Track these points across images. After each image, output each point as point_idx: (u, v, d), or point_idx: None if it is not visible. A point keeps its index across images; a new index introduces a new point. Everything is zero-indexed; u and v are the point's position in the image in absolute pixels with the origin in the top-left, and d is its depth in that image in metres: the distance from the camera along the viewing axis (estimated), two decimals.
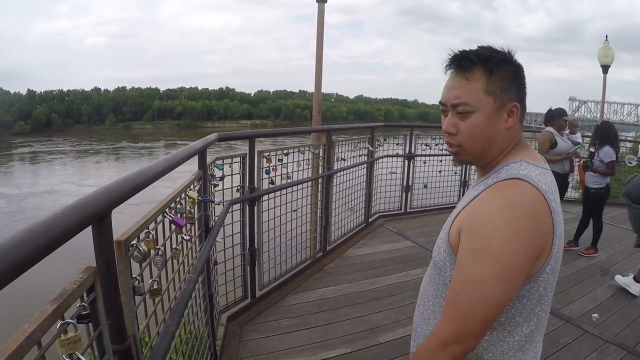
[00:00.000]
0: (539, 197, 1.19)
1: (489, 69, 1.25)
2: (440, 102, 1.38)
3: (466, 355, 1.19)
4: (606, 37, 12.58)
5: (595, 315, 4.34)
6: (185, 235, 2.38)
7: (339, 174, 5.73)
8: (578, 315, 4.34)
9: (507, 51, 1.30)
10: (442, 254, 1.36)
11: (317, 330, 3.96)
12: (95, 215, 1.31)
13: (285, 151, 4.62)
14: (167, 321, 1.95)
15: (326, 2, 6.41)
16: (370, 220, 6.98)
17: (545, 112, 6.47)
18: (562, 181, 6.38)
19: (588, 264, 5.75)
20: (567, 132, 6.74)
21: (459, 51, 1.30)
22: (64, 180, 32.93)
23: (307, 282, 4.90)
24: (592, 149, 6.18)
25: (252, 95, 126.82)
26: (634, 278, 4.98)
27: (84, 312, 1.24)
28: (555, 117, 6.21)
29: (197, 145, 2.68)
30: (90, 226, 1.31)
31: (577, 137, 7.43)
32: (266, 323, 4.05)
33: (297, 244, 5.01)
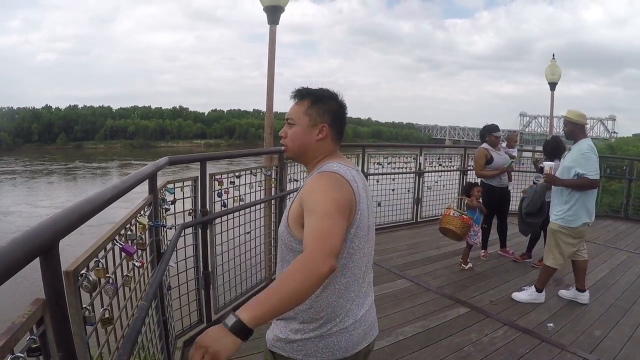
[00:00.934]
0: (345, 181, 1.77)
1: (314, 100, 1.92)
2: (286, 117, 1.99)
3: (333, 271, 1.47)
4: (553, 55, 12.95)
5: (551, 324, 4.45)
6: (137, 262, 2.38)
7: (291, 194, 5.72)
8: (534, 326, 4.45)
9: (335, 92, 1.98)
10: (284, 229, 1.86)
11: None
12: (42, 247, 1.29)
13: (237, 173, 4.62)
14: (120, 350, 1.94)
15: (278, 24, 6.47)
16: None
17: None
18: (501, 195, 6.57)
19: None
20: (504, 145, 6.92)
21: (300, 88, 1.96)
22: (18, 202, 32.02)
23: None
24: (541, 165, 6.30)
25: (205, 114, 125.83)
26: (577, 289, 5.15)
27: (34, 345, 1.24)
28: (487, 133, 6.44)
29: (147, 169, 2.67)
30: (38, 258, 1.30)
31: (514, 151, 7.58)
32: None
33: (252, 265, 4.99)
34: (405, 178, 8.54)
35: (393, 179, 8.30)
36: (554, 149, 6.14)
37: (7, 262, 1.10)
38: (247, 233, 4.87)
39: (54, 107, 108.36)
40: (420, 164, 8.56)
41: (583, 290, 5.07)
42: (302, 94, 1.93)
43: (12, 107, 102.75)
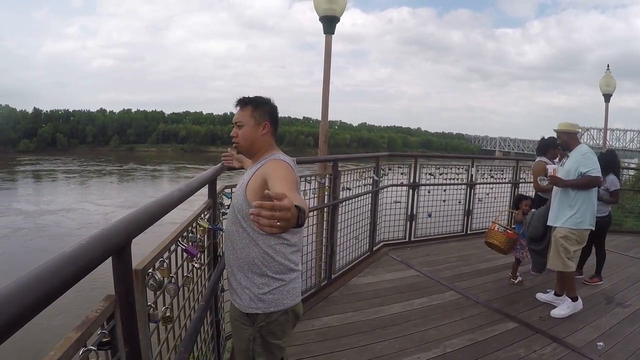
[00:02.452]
0: (292, 168, 2.38)
1: (255, 106, 2.50)
2: (233, 122, 2.54)
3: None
4: (607, 66, 12.61)
5: (601, 343, 4.32)
6: (196, 263, 2.46)
7: (344, 203, 5.77)
8: (583, 344, 4.32)
9: (267, 98, 2.56)
10: (240, 201, 2.42)
11: (320, 358, 3.96)
12: (117, 246, 1.36)
13: None
14: (181, 348, 1.99)
15: (333, 33, 6.49)
16: (374, 249, 6.98)
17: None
18: None
19: (592, 293, 5.72)
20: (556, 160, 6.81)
21: (242, 97, 2.51)
22: (79, 200, 32.97)
23: (312, 310, 4.90)
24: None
25: None
26: (555, 293, 5.19)
27: (104, 340, 1.29)
28: (549, 147, 6.28)
29: (207, 174, 2.75)
30: (111, 256, 1.36)
31: None
32: None
33: (302, 272, 5.01)
34: (456, 189, 8.44)
35: (444, 190, 8.18)
36: (608, 163, 6.03)
37: (87, 259, 1.16)
38: None
39: (108, 110, 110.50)
40: (471, 175, 8.45)
41: (576, 298, 5.01)
42: (245, 102, 2.51)
43: (68, 110, 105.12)
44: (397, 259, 6.85)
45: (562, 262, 4.90)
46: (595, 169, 4.75)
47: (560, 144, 5.24)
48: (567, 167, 4.96)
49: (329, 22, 6.49)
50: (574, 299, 4.97)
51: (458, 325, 4.68)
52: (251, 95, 2.54)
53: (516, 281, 5.99)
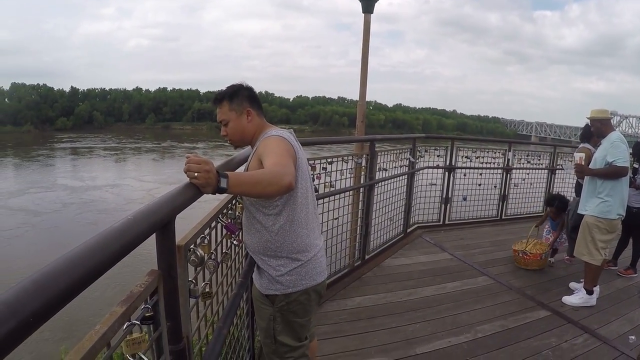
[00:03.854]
0: (285, 139, 2.33)
1: (229, 99, 2.42)
2: (218, 122, 2.47)
3: (291, 188, 2.02)
4: None
5: (633, 337, 4.25)
6: (235, 240, 2.49)
7: (380, 183, 5.74)
8: (614, 337, 4.25)
9: (239, 83, 2.47)
10: None
11: (353, 338, 3.98)
12: (162, 221, 1.37)
13: (329, 160, 4.64)
14: (219, 324, 2.00)
15: (372, 12, 6.40)
16: (408, 230, 6.96)
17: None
18: None
19: (626, 285, 5.61)
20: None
21: (214, 95, 2.47)
22: (123, 176, 33.78)
23: (345, 290, 4.92)
24: (635, 165, 6.05)
25: (290, 100, 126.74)
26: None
27: (147, 314, 1.29)
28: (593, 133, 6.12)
29: (245, 153, 2.73)
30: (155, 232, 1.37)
31: None
32: None
33: (336, 251, 5.01)
34: (493, 173, 8.32)
35: (480, 174, 8.10)
36: None
37: (134, 234, 1.17)
38: (335, 219, 4.88)
39: (144, 89, 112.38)
40: (508, 159, 8.32)
41: (591, 292, 4.91)
42: (219, 99, 2.45)
43: (104, 88, 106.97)
44: (430, 242, 6.82)
45: (588, 252, 4.81)
46: (621, 159, 4.63)
47: (594, 132, 5.17)
48: (597, 155, 4.89)
49: (368, 1, 6.41)
50: (589, 292, 4.89)
51: (490, 310, 4.67)
52: (222, 90, 2.49)
53: (550, 263, 6.03)
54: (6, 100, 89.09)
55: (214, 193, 1.73)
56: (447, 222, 7.84)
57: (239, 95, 2.44)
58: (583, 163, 4.93)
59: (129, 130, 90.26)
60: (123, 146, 58.46)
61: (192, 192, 1.64)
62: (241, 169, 2.47)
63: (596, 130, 5.03)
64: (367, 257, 5.64)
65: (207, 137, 79.75)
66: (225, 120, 2.43)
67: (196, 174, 1.66)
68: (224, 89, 2.48)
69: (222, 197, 2.32)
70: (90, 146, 57.30)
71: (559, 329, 4.35)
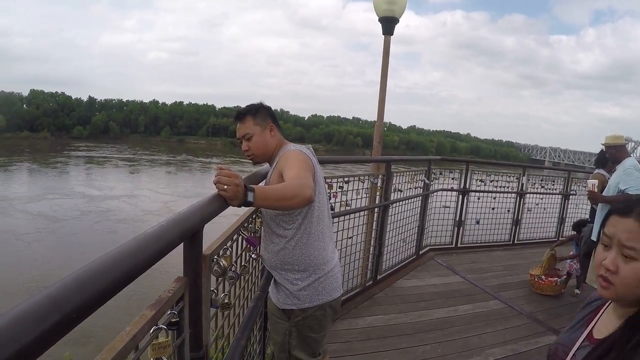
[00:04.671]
0: (304, 154, 2.41)
1: (252, 115, 2.48)
2: (239, 138, 2.53)
3: (311, 200, 2.09)
4: None
5: None
6: (253, 254, 2.53)
7: (394, 204, 5.76)
8: None
9: (259, 102, 2.55)
10: None
11: (363, 357, 3.98)
12: (192, 229, 1.42)
13: (346, 179, 4.67)
14: (238, 334, 2.03)
15: (392, 34, 6.45)
16: (421, 252, 6.95)
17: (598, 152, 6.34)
18: None
19: None
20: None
21: (237, 111, 2.53)
22: (140, 187, 34.09)
23: (357, 309, 4.92)
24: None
25: (305, 119, 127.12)
26: None
27: (173, 320, 1.33)
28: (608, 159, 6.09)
29: (266, 168, 2.78)
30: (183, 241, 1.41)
31: None
32: None
33: (349, 270, 5.03)
34: (506, 197, 8.32)
35: (494, 198, 8.10)
36: None
37: (167, 240, 1.22)
38: (349, 238, 4.90)
39: (160, 101, 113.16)
40: (522, 184, 8.32)
41: None
42: (243, 113, 2.50)
43: (121, 99, 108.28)
44: (443, 264, 6.81)
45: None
46: (634, 187, 4.60)
47: (609, 158, 5.18)
48: (610, 182, 4.90)
49: (388, 23, 6.46)
50: None
51: (501, 334, 4.65)
52: (244, 107, 2.58)
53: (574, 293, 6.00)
54: (24, 106, 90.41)
55: (239, 206, 1.79)
56: (459, 245, 7.82)
57: (261, 111, 2.52)
58: (596, 190, 4.92)
59: (144, 142, 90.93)
60: (139, 157, 58.88)
61: (219, 204, 1.69)
62: (261, 184, 2.52)
63: (611, 156, 5.05)
64: (379, 277, 5.65)
65: (222, 152, 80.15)
66: (249, 135, 2.47)
67: (226, 187, 1.72)
68: (245, 106, 2.57)
69: (243, 211, 2.36)
70: (106, 155, 57.82)
71: None
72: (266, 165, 2.72)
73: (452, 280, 6.21)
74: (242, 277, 2.36)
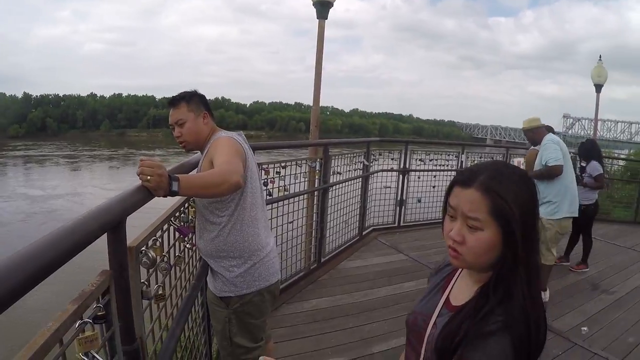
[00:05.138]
0: (235, 140, 2.44)
1: (187, 101, 2.50)
2: (172, 123, 2.54)
3: (239, 186, 2.14)
4: (600, 57, 12.68)
5: (585, 328, 4.40)
6: (188, 243, 2.53)
7: (334, 187, 5.79)
8: (568, 329, 4.41)
9: (194, 90, 2.60)
10: None
11: (310, 339, 4.01)
12: (113, 221, 1.40)
13: (283, 164, 4.66)
14: (173, 325, 2.03)
15: (327, 18, 6.46)
16: (364, 233, 7.00)
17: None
18: None
19: (578, 279, 5.83)
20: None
21: (171, 97, 2.55)
22: (84, 184, 33.09)
23: (301, 293, 4.94)
24: (582, 163, 6.24)
25: (247, 106, 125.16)
26: None
27: (99, 313, 1.32)
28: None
29: (197, 157, 2.77)
30: (106, 232, 1.40)
31: None
32: None
33: (291, 255, 5.06)
34: (447, 175, 8.38)
35: (434, 176, 8.19)
36: (589, 149, 6.18)
37: (83, 233, 1.21)
38: (290, 223, 4.91)
39: (98, 95, 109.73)
40: (462, 162, 8.45)
41: (544, 289, 5.00)
42: (176, 100, 2.52)
43: (58, 94, 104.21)
44: (386, 244, 6.89)
45: (541, 253, 4.86)
46: (552, 158, 4.77)
47: (529, 142, 5.38)
48: (536, 161, 5.04)
49: (323, 8, 6.47)
50: (543, 290, 4.94)
51: None
52: (176, 94, 2.59)
53: None
54: None
55: (165, 196, 1.78)
56: (402, 224, 7.90)
57: (195, 98, 2.55)
58: (522, 167, 5.06)
59: (84, 137, 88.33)
60: (79, 154, 57.30)
61: (143, 195, 1.67)
62: (193, 172, 2.51)
63: (530, 139, 5.24)
64: (322, 260, 5.66)
65: (164, 143, 78.77)
66: (183, 120, 2.48)
67: (149, 177, 1.70)
68: (179, 93, 2.57)
69: (175, 201, 2.35)
70: (46, 154, 56.06)
71: None
72: (196, 155, 2.73)
73: (395, 258, 6.28)
74: (178, 267, 2.35)
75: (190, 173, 2.49)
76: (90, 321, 1.25)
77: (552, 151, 4.81)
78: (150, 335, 1.94)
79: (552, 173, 4.80)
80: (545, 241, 4.85)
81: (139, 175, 1.72)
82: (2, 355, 7.24)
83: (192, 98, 2.53)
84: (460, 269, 1.35)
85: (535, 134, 5.11)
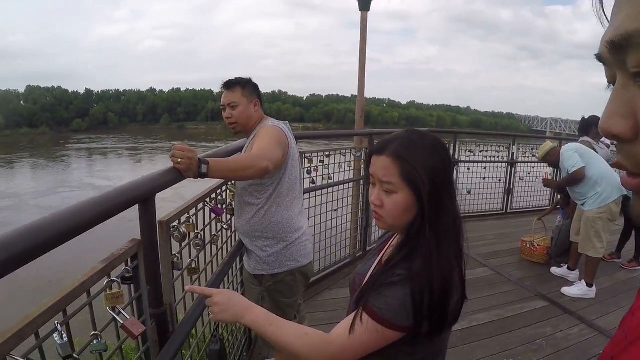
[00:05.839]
0: (280, 129, 2.57)
1: (242, 86, 2.62)
2: (221, 105, 2.67)
3: (267, 171, 2.25)
4: None
5: None
6: (225, 224, 2.70)
7: None
8: (611, 328, 4.20)
9: (249, 78, 2.70)
10: None
11: None
12: (142, 196, 1.61)
13: (326, 153, 4.75)
14: (200, 296, 2.20)
15: (369, 10, 6.48)
16: None
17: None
18: None
19: (628, 277, 5.59)
20: (607, 142, 6.58)
21: (228, 80, 2.65)
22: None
23: (345, 280, 4.96)
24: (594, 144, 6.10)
25: (304, 98, 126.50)
26: (568, 268, 5.27)
27: (127, 275, 1.51)
28: (592, 125, 5.95)
29: (236, 145, 2.94)
30: (138, 205, 1.62)
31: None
32: None
33: (336, 242, 5.15)
34: (497, 167, 8.37)
35: (484, 168, 8.16)
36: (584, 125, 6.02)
37: (113, 203, 1.43)
38: (334, 210, 5.00)
39: (157, 89, 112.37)
40: (513, 153, 8.38)
41: (591, 285, 4.92)
42: (233, 83, 2.63)
43: (118, 90, 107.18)
44: None
45: (592, 246, 4.82)
46: (571, 165, 4.82)
47: (551, 166, 5.54)
48: (564, 172, 5.09)
49: None
50: (590, 285, 4.90)
51: (486, 301, 4.71)
52: (233, 78, 2.70)
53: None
54: (22, 102, 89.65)
55: (195, 177, 1.94)
56: None
57: (250, 85, 2.68)
58: (549, 177, 5.09)
59: (144, 130, 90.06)
60: (141, 146, 58.61)
61: (174, 176, 1.86)
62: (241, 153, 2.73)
63: (551, 164, 5.41)
64: (368, 248, 5.69)
65: (223, 136, 79.79)
66: (236, 104, 2.61)
67: (180, 160, 1.88)
68: (235, 77, 2.70)
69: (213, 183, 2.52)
70: (109, 146, 57.60)
71: (556, 319, 4.37)
72: (234, 143, 2.93)
73: None
74: (215, 245, 2.53)
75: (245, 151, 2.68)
76: (118, 280, 1.42)
77: (568, 159, 4.88)
78: (182, 304, 2.10)
79: (575, 178, 4.84)
80: (598, 233, 4.79)
81: (171, 158, 1.90)
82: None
83: (247, 84, 2.65)
84: (395, 234, 1.47)
85: (552, 156, 5.18)
